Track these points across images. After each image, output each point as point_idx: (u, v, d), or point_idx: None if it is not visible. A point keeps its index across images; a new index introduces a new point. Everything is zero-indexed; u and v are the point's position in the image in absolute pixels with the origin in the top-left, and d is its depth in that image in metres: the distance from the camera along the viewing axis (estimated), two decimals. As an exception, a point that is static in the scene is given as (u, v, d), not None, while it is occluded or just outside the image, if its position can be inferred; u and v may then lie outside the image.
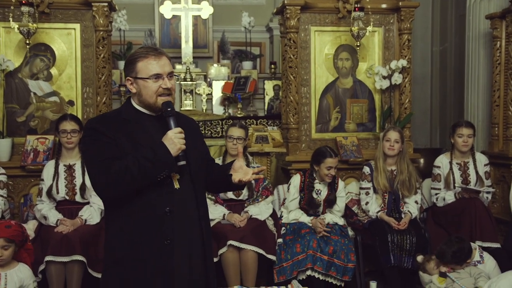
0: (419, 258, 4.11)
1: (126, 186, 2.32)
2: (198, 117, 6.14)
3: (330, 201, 4.52)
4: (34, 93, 4.84)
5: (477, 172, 4.72)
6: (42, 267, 3.93)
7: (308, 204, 4.49)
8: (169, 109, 2.41)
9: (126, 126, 2.42)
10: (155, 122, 2.46)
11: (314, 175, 4.53)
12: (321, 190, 4.52)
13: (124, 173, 2.29)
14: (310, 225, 4.41)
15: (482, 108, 5.90)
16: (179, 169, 2.41)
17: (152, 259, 2.36)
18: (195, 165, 2.49)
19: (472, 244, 3.99)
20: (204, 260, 2.48)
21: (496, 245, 4.36)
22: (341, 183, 4.62)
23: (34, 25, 4.57)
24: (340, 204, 4.57)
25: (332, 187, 4.53)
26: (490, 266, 3.96)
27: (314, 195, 4.49)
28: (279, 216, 4.61)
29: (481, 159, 4.81)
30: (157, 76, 2.41)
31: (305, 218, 4.48)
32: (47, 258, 3.89)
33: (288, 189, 4.59)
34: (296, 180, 4.57)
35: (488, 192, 4.70)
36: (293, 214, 4.53)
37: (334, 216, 4.54)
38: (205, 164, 2.60)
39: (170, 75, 2.45)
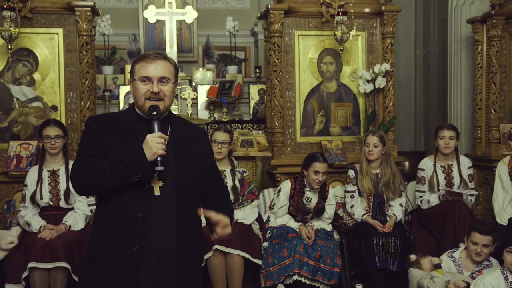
0: (412, 256, 4.11)
1: (98, 184, 2.35)
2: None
3: (319, 210, 4.50)
4: (17, 99, 4.79)
5: (461, 175, 4.76)
6: (25, 274, 3.88)
7: (299, 211, 4.46)
8: (154, 113, 2.40)
9: (119, 127, 2.43)
10: (149, 126, 2.46)
11: (305, 182, 4.51)
12: (311, 198, 4.50)
13: (97, 171, 2.32)
14: (298, 230, 4.42)
15: (465, 111, 5.97)
16: (162, 175, 2.39)
17: (120, 263, 2.36)
18: (185, 176, 2.45)
19: None
20: (180, 273, 2.41)
21: (480, 246, 4.39)
22: (331, 191, 4.60)
23: (16, 30, 4.53)
24: (330, 212, 4.57)
25: (322, 195, 4.53)
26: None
27: (305, 202, 4.48)
28: (265, 220, 4.61)
29: (465, 162, 4.86)
30: (146, 79, 2.42)
31: (292, 224, 4.48)
32: (30, 264, 3.85)
33: (278, 195, 4.55)
34: (286, 186, 4.54)
35: (471, 195, 4.74)
36: (281, 219, 4.53)
37: (323, 223, 4.55)
38: (200, 176, 2.53)
39: (162, 80, 2.44)
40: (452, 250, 4.06)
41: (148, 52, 2.51)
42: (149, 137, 2.34)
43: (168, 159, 2.41)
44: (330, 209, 4.57)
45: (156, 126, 2.39)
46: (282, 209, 4.53)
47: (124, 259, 2.35)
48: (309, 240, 4.31)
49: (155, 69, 2.43)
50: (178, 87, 6.86)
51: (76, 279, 3.94)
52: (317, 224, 4.50)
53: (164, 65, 2.45)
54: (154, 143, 2.33)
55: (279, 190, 4.56)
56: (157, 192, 2.39)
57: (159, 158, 2.34)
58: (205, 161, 2.59)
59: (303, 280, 4.25)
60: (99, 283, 2.40)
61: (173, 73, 2.50)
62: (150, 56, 2.45)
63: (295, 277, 4.24)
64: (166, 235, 2.40)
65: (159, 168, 2.35)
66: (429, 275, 3.78)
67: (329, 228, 4.57)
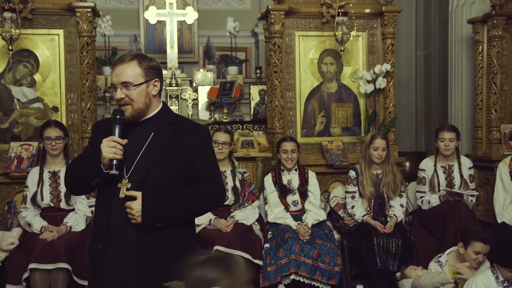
0: (397, 274, 4.15)
1: (75, 184, 2.54)
2: (184, 123, 6.13)
3: (303, 192, 4.62)
4: (18, 100, 4.79)
5: (461, 176, 4.76)
6: (26, 274, 3.89)
7: (281, 190, 4.60)
8: (116, 117, 2.41)
9: (111, 130, 2.44)
10: (136, 129, 2.48)
11: (282, 167, 4.68)
12: (291, 179, 4.65)
13: (75, 171, 2.51)
14: (295, 228, 4.43)
15: (466, 111, 5.96)
16: (131, 177, 2.41)
17: (92, 260, 2.51)
18: (151, 179, 2.40)
19: None
20: (139, 276, 2.38)
21: (481, 247, 4.39)
22: (311, 173, 4.74)
23: (17, 31, 4.53)
24: (315, 191, 4.67)
25: (302, 177, 4.66)
26: (486, 265, 3.99)
27: (285, 182, 4.62)
28: (265, 217, 4.63)
29: (466, 163, 4.85)
30: (113, 87, 2.44)
31: (291, 222, 4.49)
32: (31, 265, 3.86)
33: (265, 188, 4.71)
34: (268, 178, 4.72)
35: (472, 195, 4.74)
36: (277, 210, 4.58)
37: (314, 214, 4.57)
38: (174, 180, 2.44)
39: (125, 85, 2.40)
40: (438, 255, 4.01)
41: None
42: (103, 141, 2.38)
43: (140, 161, 2.42)
44: (313, 189, 4.68)
45: (117, 130, 2.40)
46: (273, 195, 4.63)
47: (92, 256, 2.51)
48: (304, 237, 4.36)
49: (115, 74, 2.42)
50: (178, 87, 6.89)
51: (77, 280, 3.95)
52: (310, 220, 4.51)
53: (125, 69, 2.40)
54: (104, 147, 2.35)
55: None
56: (121, 194, 2.39)
57: (114, 162, 2.35)
58: (195, 165, 2.46)
59: (301, 279, 4.25)
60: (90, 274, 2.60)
61: (141, 73, 2.41)
62: (115, 62, 2.47)
63: (293, 277, 4.25)
64: (126, 239, 2.40)
65: (113, 172, 2.36)
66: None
67: (323, 216, 4.61)
